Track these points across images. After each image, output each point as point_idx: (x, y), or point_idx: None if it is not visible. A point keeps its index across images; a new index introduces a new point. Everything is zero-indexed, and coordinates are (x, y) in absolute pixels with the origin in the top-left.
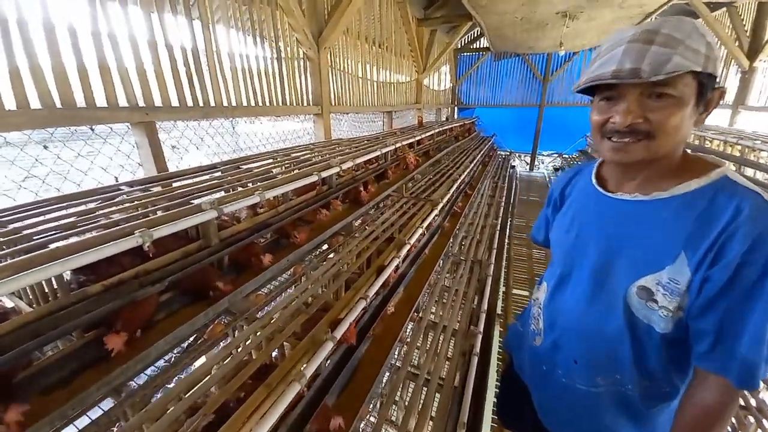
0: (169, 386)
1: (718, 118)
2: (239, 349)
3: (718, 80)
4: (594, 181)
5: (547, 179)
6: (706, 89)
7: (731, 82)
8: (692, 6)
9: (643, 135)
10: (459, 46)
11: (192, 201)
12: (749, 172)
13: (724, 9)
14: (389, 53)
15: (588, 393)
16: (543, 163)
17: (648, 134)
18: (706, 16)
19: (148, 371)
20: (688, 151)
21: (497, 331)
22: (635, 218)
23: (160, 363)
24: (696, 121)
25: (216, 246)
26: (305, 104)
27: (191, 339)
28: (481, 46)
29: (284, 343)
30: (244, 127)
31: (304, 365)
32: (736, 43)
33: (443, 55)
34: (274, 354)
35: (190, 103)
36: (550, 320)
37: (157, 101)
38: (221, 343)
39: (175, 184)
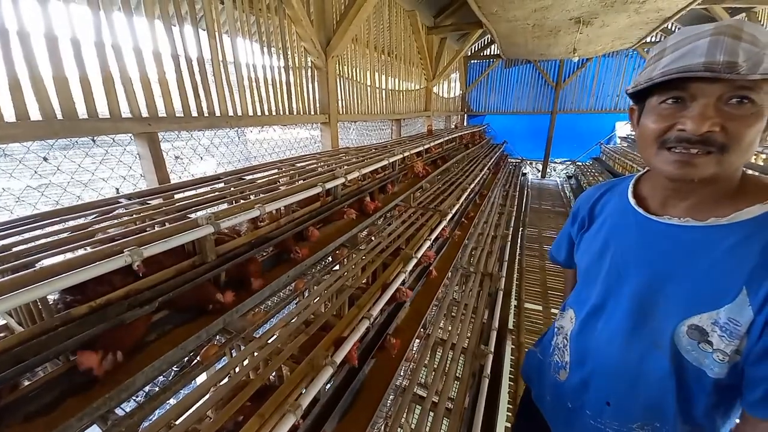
0: (160, 412)
1: None
2: (236, 371)
3: None
4: (632, 200)
5: (560, 187)
6: None
7: None
8: (711, 11)
9: (717, 147)
10: (469, 54)
11: (190, 215)
12: None
13: (744, 14)
14: (398, 61)
15: None
16: (555, 170)
17: (722, 147)
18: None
19: (139, 397)
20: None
21: (509, 348)
22: (686, 247)
23: (153, 387)
24: (761, 139)
25: (212, 262)
26: (312, 113)
27: (185, 361)
28: (492, 53)
29: (282, 365)
30: (255, 135)
31: (302, 392)
32: None
33: (453, 62)
34: (273, 375)
35: (194, 113)
36: (580, 355)
37: (161, 111)
38: (217, 365)
39: (177, 196)
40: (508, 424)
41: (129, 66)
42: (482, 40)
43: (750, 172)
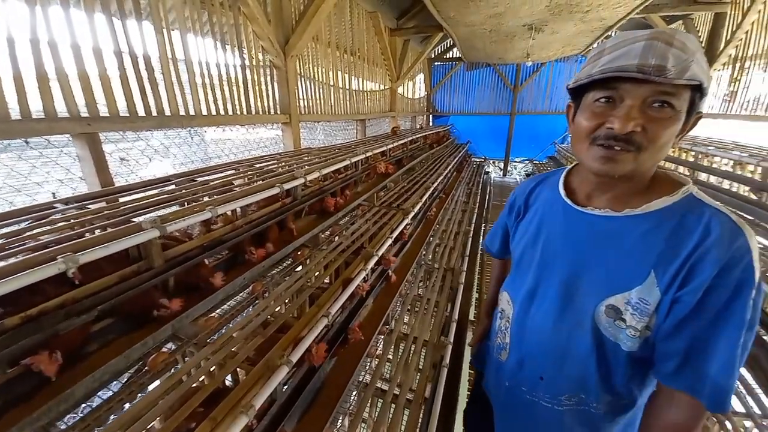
0: (107, 423)
1: None
2: (187, 378)
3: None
4: (562, 192)
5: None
6: (694, 109)
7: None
8: (649, 20)
9: (635, 146)
10: (433, 56)
11: (134, 219)
12: (703, 176)
13: (680, 21)
14: (362, 62)
15: (551, 411)
16: (516, 168)
17: (639, 146)
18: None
19: (83, 409)
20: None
21: (470, 337)
22: (605, 235)
23: (99, 398)
24: (681, 136)
25: (159, 267)
26: (273, 113)
27: (133, 371)
28: (454, 56)
29: (238, 369)
30: (214, 135)
31: (255, 394)
32: None
33: (417, 64)
34: (228, 380)
35: (141, 112)
36: (517, 336)
37: (103, 111)
38: (170, 372)
39: (122, 200)
40: (467, 407)
41: (67, 63)
42: (445, 43)
43: (675, 167)
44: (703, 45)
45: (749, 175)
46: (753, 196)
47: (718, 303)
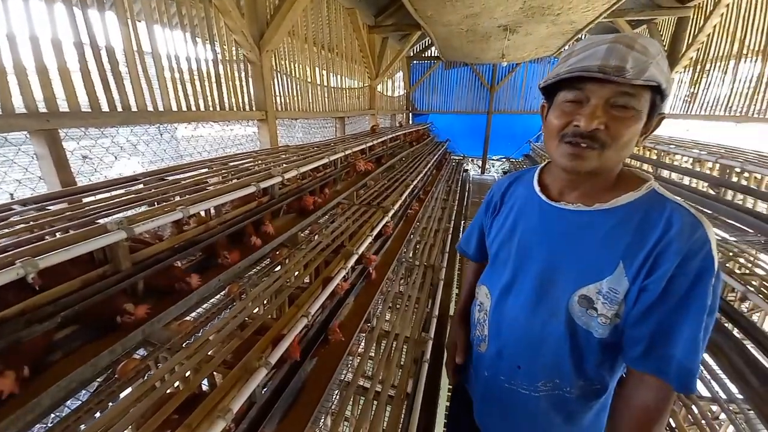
0: None
1: None
2: (161, 384)
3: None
4: (537, 188)
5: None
6: (655, 110)
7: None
8: (615, 24)
9: (599, 144)
10: (411, 54)
11: (99, 220)
12: (665, 173)
13: (645, 25)
14: (340, 58)
15: (528, 397)
16: (494, 166)
17: (603, 144)
18: (627, 33)
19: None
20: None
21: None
22: (577, 228)
23: (68, 407)
24: (637, 142)
25: (127, 271)
26: (248, 109)
27: (102, 379)
28: (433, 54)
29: (215, 372)
30: (186, 132)
31: (233, 398)
32: None
33: (396, 62)
34: (205, 385)
35: (105, 108)
36: (496, 327)
37: (63, 106)
38: (144, 378)
39: (86, 200)
40: (448, 404)
41: (24, 56)
42: (423, 41)
43: (640, 164)
44: (665, 48)
45: (708, 171)
46: (711, 191)
47: (681, 290)
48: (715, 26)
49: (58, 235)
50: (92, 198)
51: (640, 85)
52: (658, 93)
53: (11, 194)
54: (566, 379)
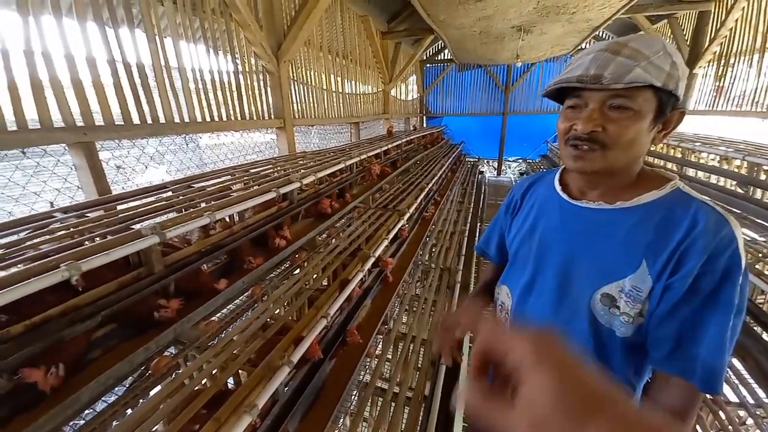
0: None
1: None
2: (190, 381)
3: (680, 101)
4: (558, 187)
5: (514, 183)
6: (666, 107)
7: None
8: (634, 20)
9: (599, 145)
10: (424, 58)
11: (133, 226)
12: (690, 172)
13: (665, 20)
14: (354, 65)
15: None
16: (510, 168)
17: (603, 144)
18: (647, 28)
19: (88, 414)
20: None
21: (467, 336)
22: (598, 226)
23: (105, 402)
24: (654, 139)
25: (159, 273)
26: (267, 118)
27: (136, 375)
28: (446, 57)
29: (240, 371)
30: (209, 141)
31: (257, 394)
32: None
33: (409, 66)
34: (231, 382)
35: (136, 120)
36: (518, 327)
37: (98, 120)
38: (173, 375)
39: (120, 207)
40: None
41: (60, 73)
42: (436, 45)
43: (664, 163)
44: (687, 43)
45: (735, 169)
46: (739, 190)
47: (707, 289)
48: (737, 20)
49: (97, 240)
50: (126, 205)
51: (632, 87)
52: (662, 91)
53: (51, 203)
54: None
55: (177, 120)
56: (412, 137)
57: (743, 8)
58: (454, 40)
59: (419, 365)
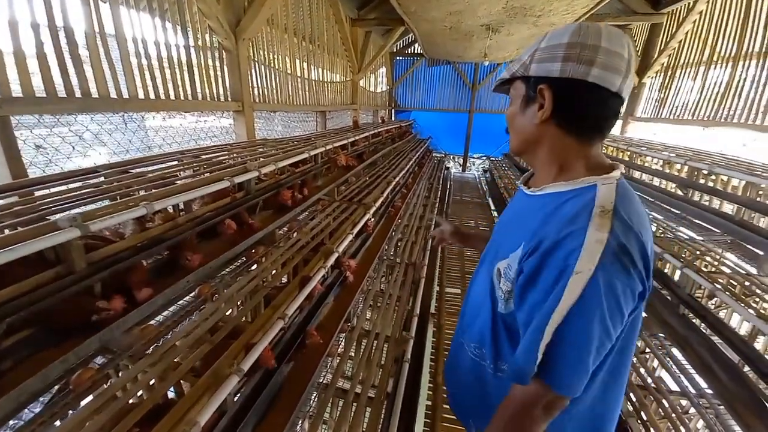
0: None
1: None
2: (123, 394)
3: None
4: (522, 180)
5: (477, 180)
6: (529, 90)
7: None
8: None
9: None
10: (395, 50)
11: (50, 216)
12: (636, 174)
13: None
14: (322, 51)
15: (467, 355)
16: (474, 164)
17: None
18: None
19: None
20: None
21: (431, 330)
22: (520, 210)
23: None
24: (537, 117)
25: (82, 272)
26: (223, 99)
27: (54, 391)
28: (416, 51)
29: (182, 381)
30: (155, 122)
31: (201, 408)
32: None
33: (378, 57)
34: (172, 394)
35: (62, 93)
36: (467, 295)
37: (16, 90)
38: (101, 389)
39: (38, 194)
40: (429, 402)
41: None
42: (406, 38)
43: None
44: (638, 54)
45: (676, 173)
46: (680, 192)
47: (540, 280)
48: (687, 32)
49: (6, 232)
50: (46, 191)
51: (508, 79)
52: (523, 78)
53: None
54: (487, 351)
55: (114, 96)
56: (379, 130)
57: (694, 21)
58: (424, 34)
59: (382, 362)
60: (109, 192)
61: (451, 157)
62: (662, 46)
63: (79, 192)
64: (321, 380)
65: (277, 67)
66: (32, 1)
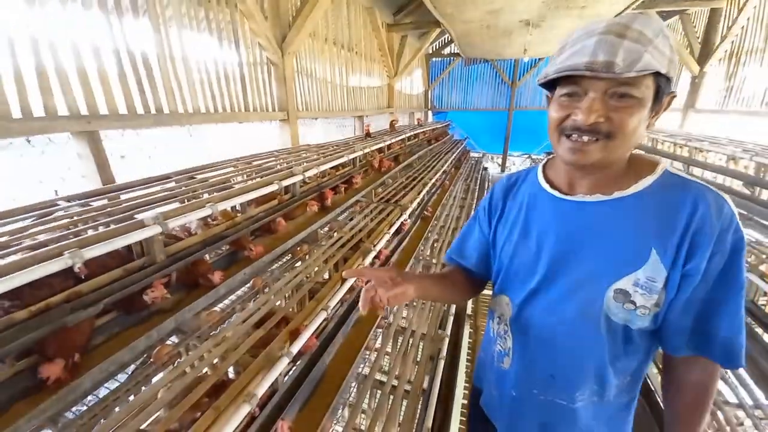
0: (113, 413)
1: (669, 121)
2: (191, 369)
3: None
4: (545, 185)
5: None
6: (662, 93)
7: (682, 86)
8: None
9: (603, 135)
10: (430, 52)
11: (136, 216)
12: (697, 171)
13: (677, 17)
14: (359, 57)
15: (566, 408)
16: (514, 164)
17: (608, 134)
18: (621, 18)
19: (90, 399)
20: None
21: (467, 331)
22: (599, 219)
23: (107, 388)
24: (647, 125)
25: (162, 263)
26: (270, 110)
27: (138, 363)
28: (452, 51)
29: (240, 360)
30: (213, 132)
31: (257, 384)
32: (687, 50)
33: (414, 60)
34: (231, 372)
35: (140, 110)
36: (522, 336)
37: (102, 109)
38: (175, 364)
39: (123, 197)
40: (465, 401)
41: (66, 62)
42: (442, 38)
43: (671, 162)
44: (699, 41)
45: (743, 170)
46: (746, 191)
47: (719, 268)
48: (748, 18)
49: (100, 229)
50: (130, 195)
51: (632, 76)
52: (662, 77)
53: (56, 191)
54: (605, 382)
55: (181, 111)
56: (416, 132)
57: (755, 7)
58: (461, 34)
59: (418, 359)
60: (180, 195)
61: (490, 157)
62: (725, 32)
63: (156, 195)
64: (360, 371)
65: (318, 76)
66: (112, 28)
